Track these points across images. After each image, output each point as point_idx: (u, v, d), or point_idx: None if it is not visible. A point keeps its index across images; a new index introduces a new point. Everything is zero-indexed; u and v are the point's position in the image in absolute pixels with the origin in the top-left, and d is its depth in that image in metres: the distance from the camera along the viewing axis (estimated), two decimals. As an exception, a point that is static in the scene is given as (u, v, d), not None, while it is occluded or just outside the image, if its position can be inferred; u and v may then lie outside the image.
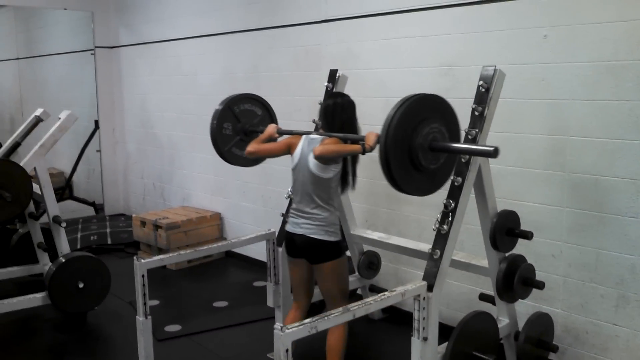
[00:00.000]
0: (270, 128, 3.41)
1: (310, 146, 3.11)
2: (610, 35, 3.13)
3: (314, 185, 3.08)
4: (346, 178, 3.22)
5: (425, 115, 2.62)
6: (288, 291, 3.68)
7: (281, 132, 3.41)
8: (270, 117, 3.95)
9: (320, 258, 3.13)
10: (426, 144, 2.62)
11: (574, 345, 3.44)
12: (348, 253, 4.26)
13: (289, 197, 3.94)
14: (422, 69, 4.04)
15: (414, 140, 2.59)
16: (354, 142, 3.05)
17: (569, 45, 3.30)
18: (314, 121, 3.86)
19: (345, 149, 3.02)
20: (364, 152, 2.87)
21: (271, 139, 3.39)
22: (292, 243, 3.22)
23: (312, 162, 3.05)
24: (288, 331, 2.28)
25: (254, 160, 3.64)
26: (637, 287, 3.15)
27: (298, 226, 3.16)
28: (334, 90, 4.00)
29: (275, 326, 2.29)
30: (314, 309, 3.32)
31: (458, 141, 2.83)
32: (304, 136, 3.20)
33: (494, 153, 2.59)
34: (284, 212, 3.88)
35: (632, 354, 3.20)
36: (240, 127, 3.80)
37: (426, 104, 2.65)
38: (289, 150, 3.24)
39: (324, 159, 3.01)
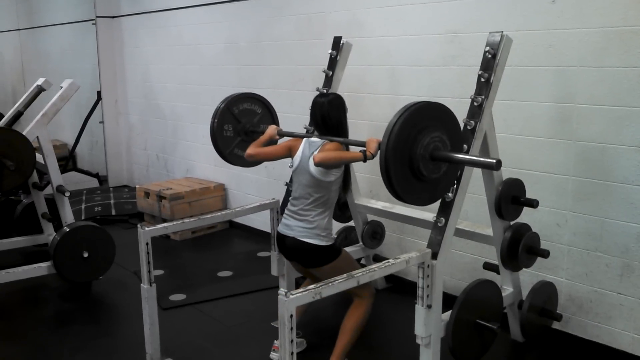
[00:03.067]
0: (271, 129, 3.35)
1: (311, 149, 3.05)
2: (619, 0, 3.07)
3: (313, 188, 3.04)
4: (347, 181, 3.20)
5: (426, 124, 2.55)
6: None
7: (282, 134, 3.36)
8: (271, 114, 3.89)
9: (314, 263, 3.09)
10: (427, 154, 2.55)
11: (578, 314, 3.45)
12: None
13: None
14: (427, 36, 3.98)
15: (415, 150, 2.52)
16: (353, 146, 3.02)
17: (577, 11, 3.24)
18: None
19: (346, 157, 2.95)
20: (365, 159, 2.79)
21: (271, 141, 3.36)
22: (283, 245, 3.17)
23: (312, 165, 3.00)
24: (292, 297, 2.27)
25: (253, 162, 3.61)
26: (642, 255, 3.15)
27: (289, 228, 3.10)
28: (338, 57, 3.95)
29: (279, 292, 2.28)
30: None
31: (460, 150, 2.77)
32: (304, 139, 3.15)
33: (496, 165, 2.53)
34: (287, 182, 3.87)
35: (636, 322, 3.21)
36: (241, 127, 3.76)
37: (427, 113, 2.58)
38: (289, 153, 3.19)
39: (324, 166, 2.96)
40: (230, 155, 3.78)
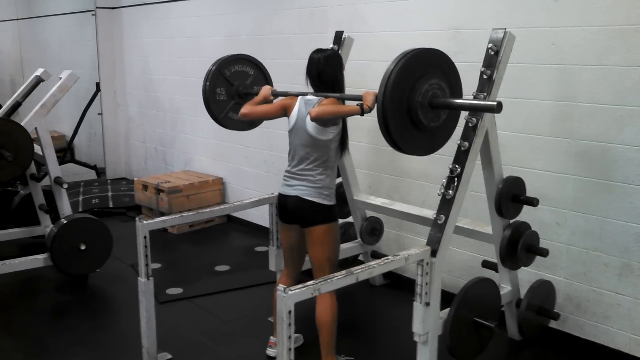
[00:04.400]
0: (265, 90, 3.28)
1: (307, 107, 3.00)
2: (623, -1, 3.06)
3: (311, 147, 2.99)
4: (345, 140, 3.14)
5: (424, 70, 2.50)
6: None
7: (276, 94, 3.29)
8: (264, 75, 3.83)
9: (312, 220, 3.03)
10: (426, 101, 2.50)
11: (575, 313, 3.44)
12: (349, 219, 4.25)
13: None
14: (429, 32, 3.96)
15: (413, 98, 2.47)
16: (349, 100, 2.97)
17: (580, 9, 3.22)
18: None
19: (343, 110, 2.91)
20: (362, 113, 2.75)
21: (266, 101, 3.27)
22: (284, 207, 3.12)
23: (309, 123, 2.95)
24: (291, 292, 2.26)
25: (250, 123, 3.53)
26: (642, 255, 3.14)
27: (291, 188, 3.06)
28: (339, 52, 3.92)
29: (278, 287, 2.27)
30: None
31: (460, 97, 2.70)
32: (299, 97, 3.08)
33: (497, 108, 2.48)
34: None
35: (633, 322, 3.20)
36: (234, 90, 3.70)
37: (425, 59, 2.53)
38: (284, 112, 3.12)
39: (321, 121, 2.90)
40: (225, 119, 3.72)
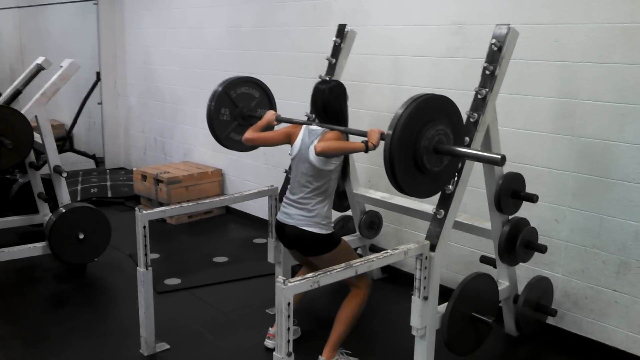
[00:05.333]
0: (269, 115, 3.31)
1: (311, 137, 3.02)
2: (628, -4, 3.05)
3: (313, 177, 3.01)
4: (347, 169, 3.17)
5: (431, 116, 2.53)
6: (289, 248, 3.68)
7: (280, 120, 3.31)
8: (269, 99, 3.85)
9: (313, 251, 3.06)
10: (431, 147, 2.53)
11: (573, 310, 3.45)
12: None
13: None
14: (432, 26, 3.95)
15: (420, 142, 2.51)
16: (353, 135, 2.99)
17: (584, 6, 3.21)
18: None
19: (348, 147, 2.93)
20: (367, 150, 2.77)
21: (269, 127, 3.31)
22: (282, 233, 3.14)
23: (312, 154, 2.97)
24: (290, 284, 2.27)
25: (250, 147, 3.57)
26: (640, 254, 3.15)
27: (289, 217, 3.07)
28: (342, 45, 3.92)
29: (277, 279, 2.28)
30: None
31: (462, 143, 2.75)
32: (304, 126, 3.11)
33: (500, 161, 2.50)
34: (287, 169, 3.85)
35: (630, 320, 3.21)
36: (238, 111, 3.72)
37: (433, 105, 2.56)
38: (288, 139, 3.15)
39: (326, 156, 2.93)
40: (227, 140, 3.74)
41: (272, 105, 3.86)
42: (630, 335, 3.22)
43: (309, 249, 3.08)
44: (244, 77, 3.79)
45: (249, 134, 3.23)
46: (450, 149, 2.59)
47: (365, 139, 2.79)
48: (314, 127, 3.07)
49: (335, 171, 3.04)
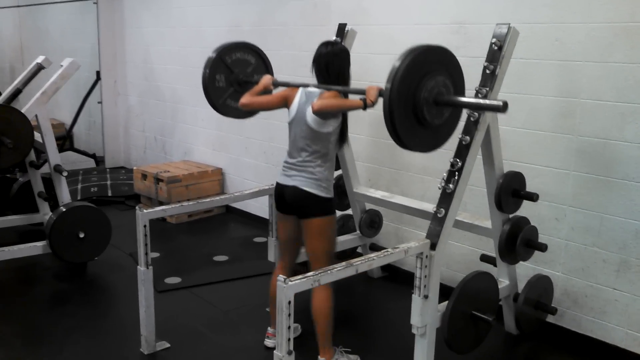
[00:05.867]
0: (266, 79, 3.24)
1: (308, 99, 2.97)
2: (628, -5, 3.05)
3: (311, 139, 2.97)
4: (345, 133, 3.13)
5: (430, 68, 2.50)
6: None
7: (277, 84, 3.25)
8: (265, 65, 3.79)
9: (310, 212, 3.00)
10: (431, 98, 2.50)
11: (573, 309, 3.46)
12: (348, 211, 4.25)
13: None
14: (432, 26, 3.96)
15: (419, 94, 2.47)
16: (352, 94, 2.96)
17: (584, 5, 3.22)
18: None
19: (346, 104, 2.91)
20: (365, 107, 2.72)
21: (266, 91, 3.23)
22: (282, 197, 3.09)
23: (310, 116, 2.93)
24: (291, 283, 2.27)
25: (248, 112, 3.51)
26: (640, 252, 3.15)
27: (290, 178, 3.03)
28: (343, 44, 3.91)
29: (278, 278, 2.28)
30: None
31: (463, 95, 2.69)
32: (300, 88, 3.06)
33: (502, 108, 2.45)
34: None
35: (630, 318, 3.22)
36: (234, 77, 3.66)
37: (432, 57, 2.53)
38: (285, 103, 3.09)
39: (323, 114, 2.89)
40: (223, 106, 3.68)
41: (268, 71, 3.79)
42: (630, 333, 3.22)
43: (307, 209, 3.01)
44: (239, 42, 3.71)
45: (245, 98, 3.15)
46: (451, 99, 2.56)
47: (364, 96, 2.74)
48: (311, 88, 3.01)
49: (333, 134, 2.99)
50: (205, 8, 5.99)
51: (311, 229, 3.04)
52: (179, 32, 6.41)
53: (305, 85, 3.06)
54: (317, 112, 2.86)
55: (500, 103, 2.46)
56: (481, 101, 2.67)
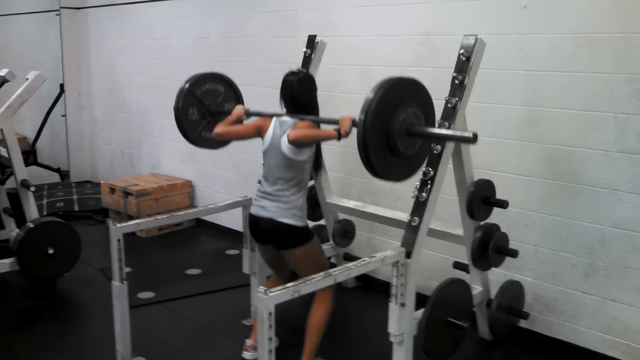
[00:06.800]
0: (238, 109, 3.26)
1: (282, 128, 3.01)
2: (589, 7, 3.16)
3: (285, 167, 3.00)
4: (319, 160, 3.17)
5: (401, 99, 2.56)
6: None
7: (249, 114, 3.27)
8: (235, 92, 3.83)
9: (288, 244, 3.04)
10: (403, 130, 2.56)
11: (544, 313, 3.53)
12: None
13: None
14: (400, 37, 4.02)
15: (392, 126, 2.54)
16: (325, 124, 3.00)
17: (548, 17, 3.32)
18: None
19: (321, 135, 2.96)
20: (339, 137, 2.78)
21: (239, 121, 3.26)
22: (256, 228, 3.11)
23: (284, 145, 2.96)
24: (272, 294, 2.28)
25: (222, 142, 3.55)
26: (606, 256, 3.24)
27: (264, 209, 3.05)
28: (312, 56, 3.96)
29: (258, 289, 2.29)
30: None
31: (433, 125, 2.77)
32: (274, 118, 3.10)
33: (472, 139, 2.53)
34: (260, 179, 3.85)
35: (599, 320, 3.31)
36: (206, 109, 3.68)
37: (402, 88, 2.60)
38: (259, 132, 3.13)
39: (298, 144, 2.93)
40: (199, 139, 3.69)
41: (238, 98, 3.82)
42: (599, 336, 3.31)
43: (284, 241, 3.05)
44: (207, 73, 3.73)
45: (219, 128, 3.17)
46: (423, 131, 2.61)
47: (337, 127, 2.79)
48: (285, 118, 3.05)
49: (307, 161, 3.03)
50: (171, 19, 5.97)
51: (294, 258, 3.07)
52: (145, 44, 6.37)
53: (279, 115, 3.09)
54: (292, 143, 2.91)
55: (471, 135, 2.53)
56: (451, 132, 2.77)
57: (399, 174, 2.70)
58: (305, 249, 3.05)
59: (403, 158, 2.63)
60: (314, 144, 3.05)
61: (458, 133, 2.71)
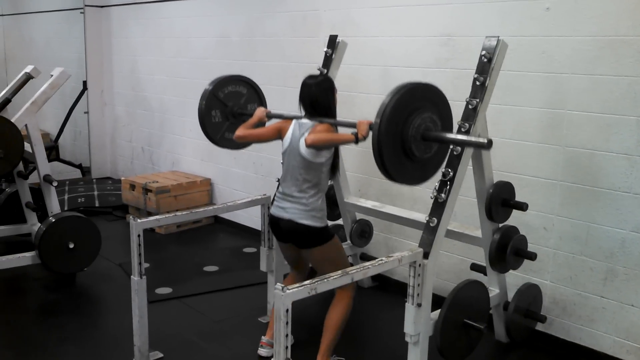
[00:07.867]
0: (260, 112, 3.32)
1: (301, 130, 3.05)
2: (612, 9, 3.13)
3: (304, 169, 3.03)
4: (337, 163, 3.20)
5: (418, 104, 2.58)
6: (282, 256, 3.69)
7: (270, 116, 3.33)
8: (257, 94, 3.87)
9: (308, 244, 3.09)
10: (419, 135, 2.57)
11: (562, 317, 3.51)
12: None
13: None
14: (421, 38, 4.02)
15: (407, 131, 2.55)
16: (343, 127, 3.01)
17: (571, 19, 3.29)
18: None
19: (339, 139, 2.99)
20: (357, 141, 2.80)
21: (260, 123, 3.33)
22: (277, 227, 3.17)
23: (303, 147, 3.00)
24: (289, 291, 2.29)
25: (243, 144, 3.60)
26: (626, 260, 3.21)
27: (284, 210, 3.10)
28: (333, 56, 3.97)
29: (276, 286, 2.30)
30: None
31: (451, 130, 2.78)
32: (294, 120, 3.14)
33: (487, 145, 2.55)
34: (279, 178, 3.87)
35: (617, 325, 3.28)
36: (229, 110, 3.73)
37: (419, 93, 2.61)
38: (279, 135, 3.18)
39: (316, 148, 2.97)
40: (221, 140, 3.75)
41: (261, 99, 3.87)
42: (617, 341, 3.28)
43: (304, 241, 3.10)
44: (229, 75, 3.78)
45: (240, 131, 3.25)
46: (438, 136, 2.63)
47: (355, 130, 2.81)
48: (304, 120, 3.09)
49: (326, 164, 3.06)
50: (193, 18, 6.02)
51: (315, 258, 3.12)
52: (166, 43, 6.43)
53: (299, 117, 3.12)
54: (310, 146, 2.95)
55: (485, 141, 2.54)
56: (466, 138, 2.77)
57: (414, 178, 2.73)
58: (325, 249, 3.08)
59: (418, 162, 2.65)
60: (333, 147, 3.08)
61: (473, 139, 2.72)
